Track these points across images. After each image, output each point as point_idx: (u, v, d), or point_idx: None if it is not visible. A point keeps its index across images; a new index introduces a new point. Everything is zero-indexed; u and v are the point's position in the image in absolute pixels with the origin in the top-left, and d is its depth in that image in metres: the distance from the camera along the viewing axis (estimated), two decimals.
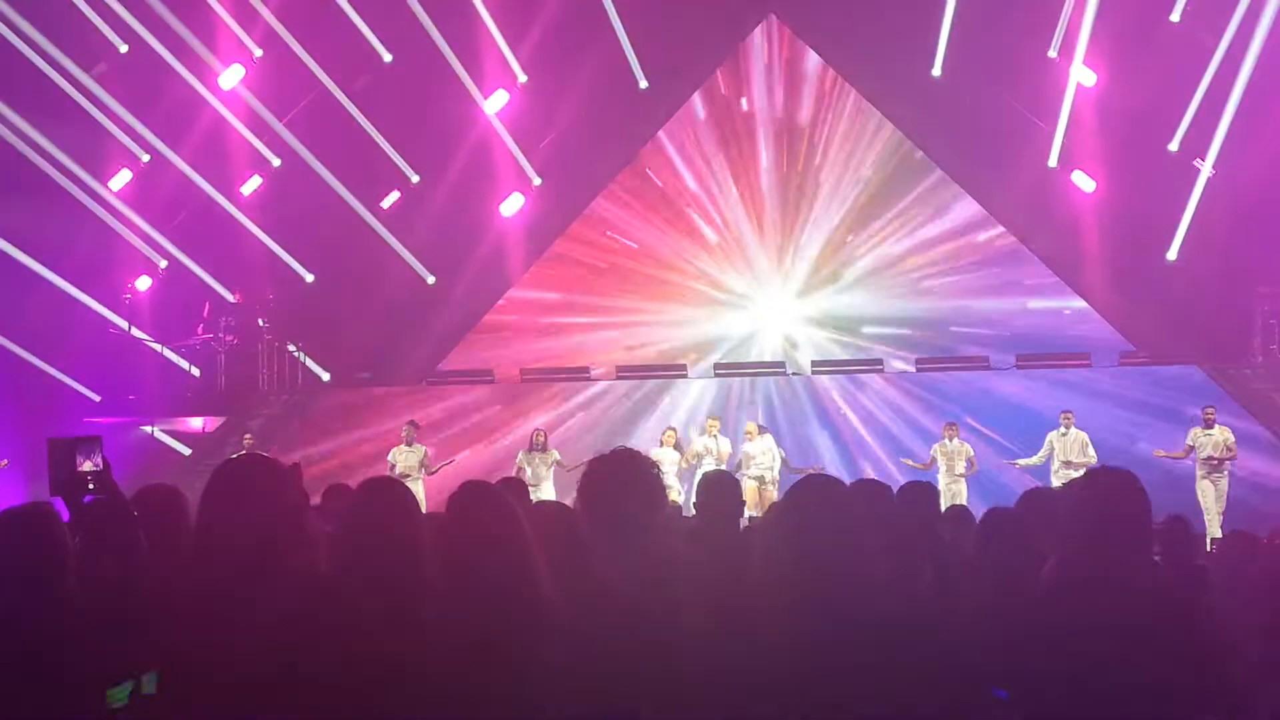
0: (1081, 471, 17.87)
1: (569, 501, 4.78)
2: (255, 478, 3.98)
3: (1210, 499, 18.83)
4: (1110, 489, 4.29)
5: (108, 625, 4.21)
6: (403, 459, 19.97)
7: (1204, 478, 18.86)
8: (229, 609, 3.75)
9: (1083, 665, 3.99)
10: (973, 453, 20.10)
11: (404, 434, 20.58)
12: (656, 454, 19.97)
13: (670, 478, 18.99)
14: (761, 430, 20.61)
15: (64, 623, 4.14)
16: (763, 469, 19.78)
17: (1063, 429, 19.79)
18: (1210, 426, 19.16)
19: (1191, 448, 19.07)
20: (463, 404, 23.41)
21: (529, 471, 19.33)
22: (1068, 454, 19.45)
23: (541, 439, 20.34)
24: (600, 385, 23.57)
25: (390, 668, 3.78)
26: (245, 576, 3.76)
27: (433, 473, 19.91)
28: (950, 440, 20.14)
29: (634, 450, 4.65)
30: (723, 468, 18.37)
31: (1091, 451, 19.45)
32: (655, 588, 4.16)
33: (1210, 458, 18.96)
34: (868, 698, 3.82)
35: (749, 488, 19.04)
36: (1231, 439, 19.11)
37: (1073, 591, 4.13)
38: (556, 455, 20.22)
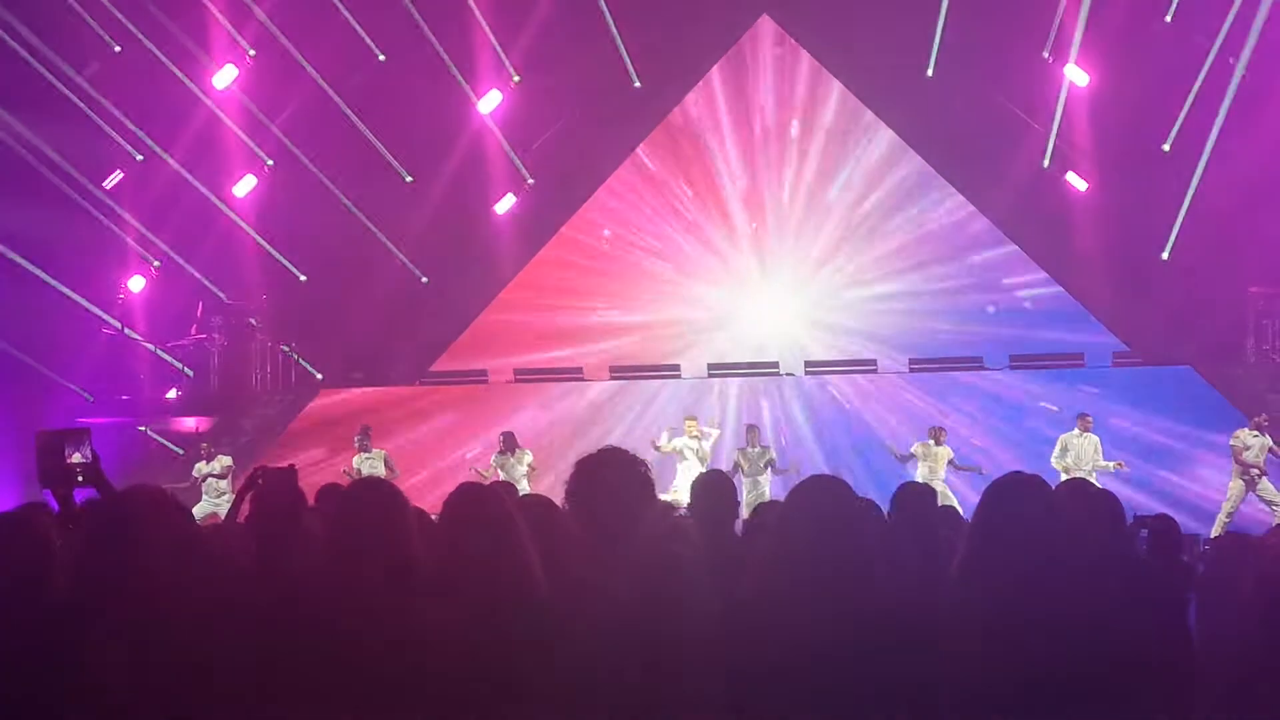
0: (1090, 474, 17.97)
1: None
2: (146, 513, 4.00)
3: (1236, 497, 18.81)
4: (1007, 492, 4.30)
5: (98, 626, 4.19)
6: (366, 466, 19.70)
7: (1239, 476, 18.84)
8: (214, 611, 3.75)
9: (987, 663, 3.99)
10: (952, 455, 20.18)
11: (356, 442, 20.32)
12: (679, 443, 19.91)
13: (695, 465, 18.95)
14: (747, 429, 20.74)
15: (52, 626, 4.12)
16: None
17: (1078, 431, 19.82)
18: (1261, 431, 19.09)
19: (1246, 448, 18.97)
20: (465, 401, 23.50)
21: (502, 476, 19.02)
22: (1080, 457, 19.48)
23: (511, 441, 20.20)
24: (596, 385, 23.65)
25: (382, 667, 3.76)
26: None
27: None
28: (936, 444, 20.19)
29: (622, 449, 4.63)
30: (703, 468, 18.31)
31: (1101, 455, 19.53)
32: (644, 586, 4.14)
33: (1253, 463, 18.88)
34: (863, 695, 3.81)
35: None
36: (1269, 444, 19.07)
37: (976, 587, 4.14)
38: (530, 457, 20.11)
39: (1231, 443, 19.08)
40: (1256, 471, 18.78)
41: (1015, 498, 4.25)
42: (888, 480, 16.35)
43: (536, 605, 3.96)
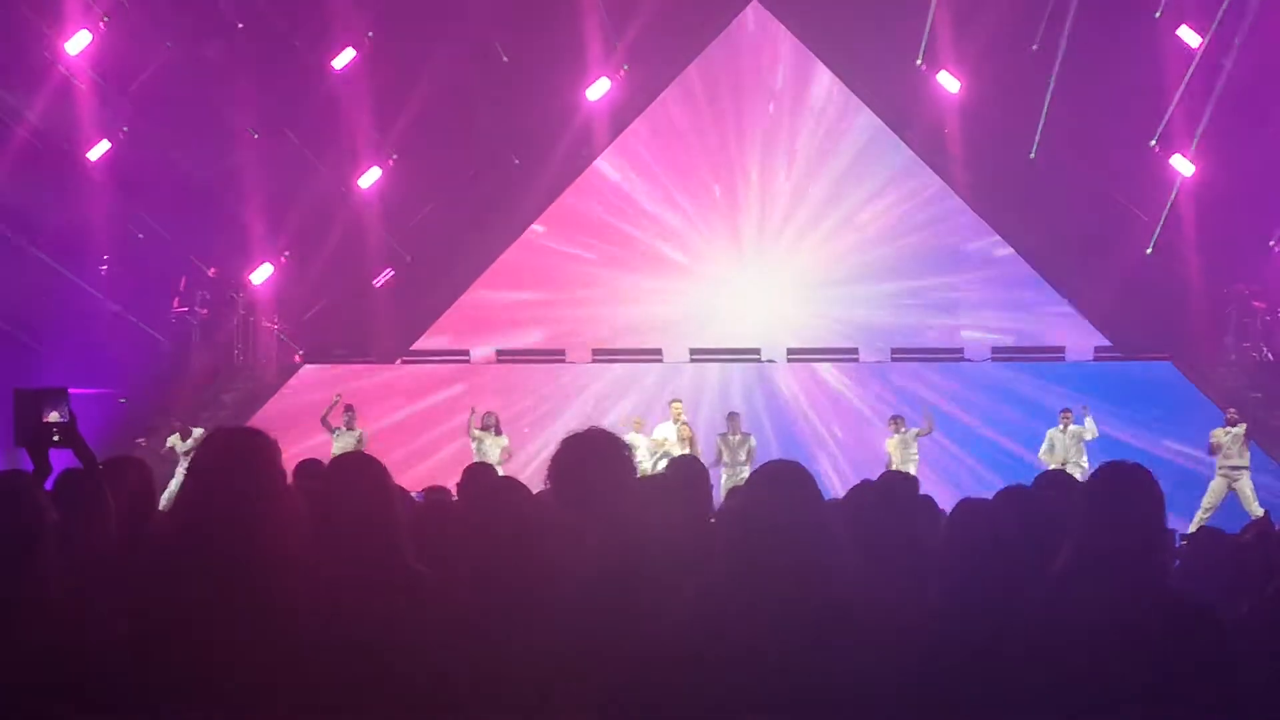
0: (1076, 468, 18.07)
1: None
2: (243, 450, 3.97)
3: (1216, 497, 18.88)
4: (1128, 482, 4.27)
5: (84, 596, 4.18)
6: (341, 443, 19.74)
7: (1221, 474, 18.94)
8: (209, 584, 3.74)
9: (1089, 658, 3.97)
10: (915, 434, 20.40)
11: (344, 419, 20.42)
12: (660, 432, 19.81)
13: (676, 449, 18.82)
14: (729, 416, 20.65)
15: (43, 597, 4.10)
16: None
17: (1061, 426, 19.99)
18: (1234, 426, 19.19)
19: (1219, 445, 19.09)
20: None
21: (476, 455, 19.12)
22: (1065, 451, 19.66)
23: (494, 420, 20.29)
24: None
25: (369, 642, 3.77)
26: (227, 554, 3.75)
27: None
28: (898, 431, 20.33)
29: (607, 430, 4.63)
30: (685, 453, 18.27)
31: (1084, 449, 19.65)
32: (621, 569, 4.15)
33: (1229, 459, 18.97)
34: (828, 682, 3.81)
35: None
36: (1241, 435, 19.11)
37: (1085, 583, 4.11)
38: (506, 441, 20.16)
39: (1211, 441, 19.20)
40: (1235, 468, 18.87)
41: (1129, 489, 4.23)
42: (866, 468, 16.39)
43: (520, 586, 3.97)
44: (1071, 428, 19.97)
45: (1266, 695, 4.48)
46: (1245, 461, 19.00)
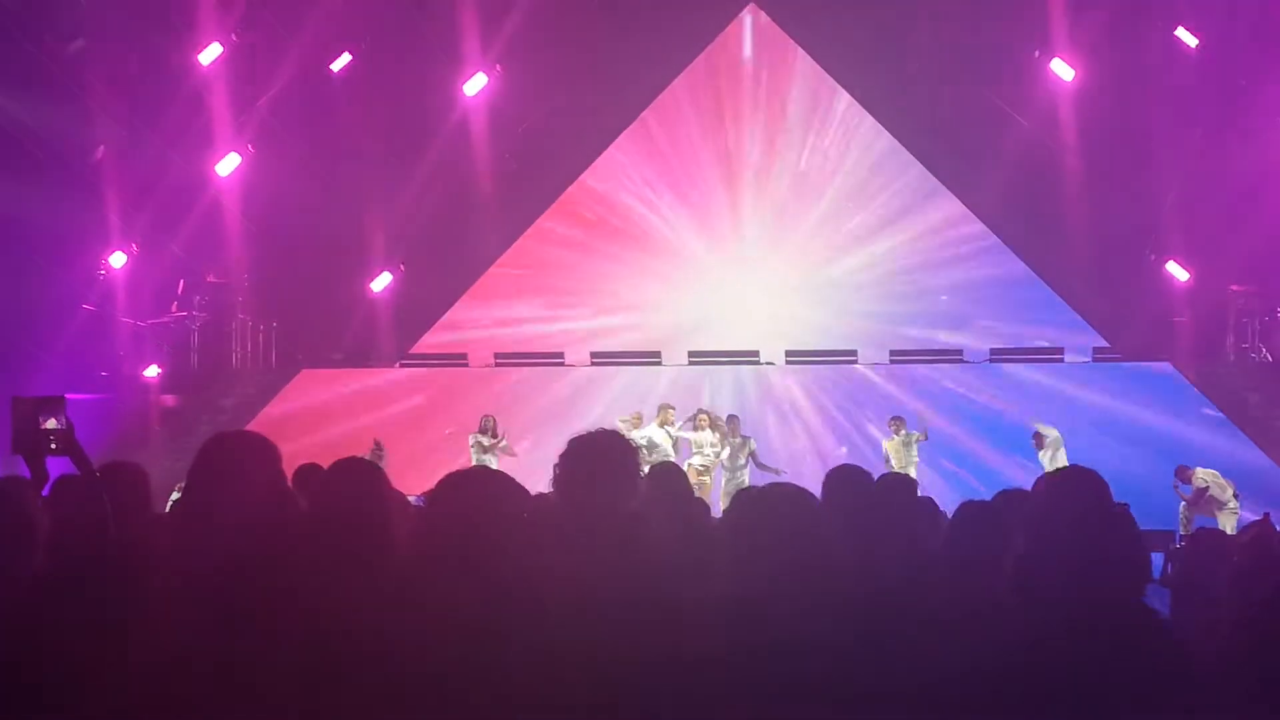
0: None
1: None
2: (245, 454, 3.96)
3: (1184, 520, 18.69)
4: (1073, 485, 4.26)
5: (79, 602, 4.17)
6: None
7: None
8: (209, 588, 3.73)
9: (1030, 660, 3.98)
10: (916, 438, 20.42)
11: (370, 456, 20.22)
12: (645, 432, 19.66)
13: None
14: (728, 419, 20.50)
15: (35, 602, 4.09)
16: (707, 459, 19.55)
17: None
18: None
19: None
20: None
21: (475, 459, 19.06)
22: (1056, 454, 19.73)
23: (491, 424, 20.22)
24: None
25: (359, 650, 3.76)
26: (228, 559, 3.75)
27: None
28: (898, 433, 20.33)
29: (616, 432, 4.61)
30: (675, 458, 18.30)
31: (1063, 454, 19.62)
32: (625, 577, 4.14)
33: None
34: (829, 685, 3.81)
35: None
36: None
37: (1032, 586, 4.12)
38: (505, 444, 20.07)
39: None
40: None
41: (1076, 494, 4.22)
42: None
43: (516, 594, 3.96)
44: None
45: (1263, 698, 4.48)
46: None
